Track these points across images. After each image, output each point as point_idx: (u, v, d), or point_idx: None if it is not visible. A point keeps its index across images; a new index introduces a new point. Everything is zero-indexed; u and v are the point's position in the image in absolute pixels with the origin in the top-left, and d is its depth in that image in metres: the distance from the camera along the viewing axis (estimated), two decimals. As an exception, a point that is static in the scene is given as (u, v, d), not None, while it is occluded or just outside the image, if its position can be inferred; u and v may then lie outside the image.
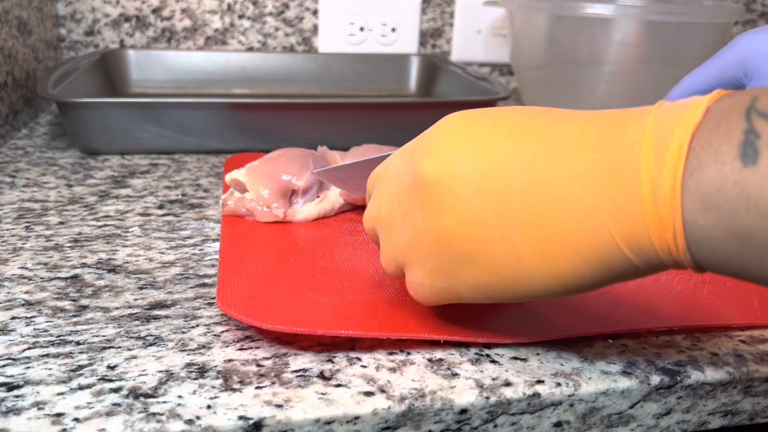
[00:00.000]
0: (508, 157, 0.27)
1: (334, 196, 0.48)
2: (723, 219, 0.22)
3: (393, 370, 0.31)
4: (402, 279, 0.33)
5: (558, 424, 0.31)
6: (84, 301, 0.36)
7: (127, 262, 0.41)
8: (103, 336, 0.33)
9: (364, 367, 0.31)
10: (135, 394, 0.29)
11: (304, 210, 0.47)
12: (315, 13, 0.92)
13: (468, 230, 0.28)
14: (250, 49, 0.92)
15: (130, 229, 0.46)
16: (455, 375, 0.31)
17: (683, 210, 0.23)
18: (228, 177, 0.47)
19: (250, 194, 0.46)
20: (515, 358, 0.32)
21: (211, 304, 0.36)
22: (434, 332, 0.33)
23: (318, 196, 0.48)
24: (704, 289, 0.39)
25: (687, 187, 0.22)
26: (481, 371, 0.31)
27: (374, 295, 0.36)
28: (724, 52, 0.43)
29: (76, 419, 0.27)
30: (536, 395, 0.30)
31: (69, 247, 0.43)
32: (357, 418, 0.28)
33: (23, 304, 0.36)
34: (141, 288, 0.38)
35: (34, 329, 0.33)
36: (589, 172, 0.25)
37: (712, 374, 0.32)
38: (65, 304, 0.36)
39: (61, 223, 0.47)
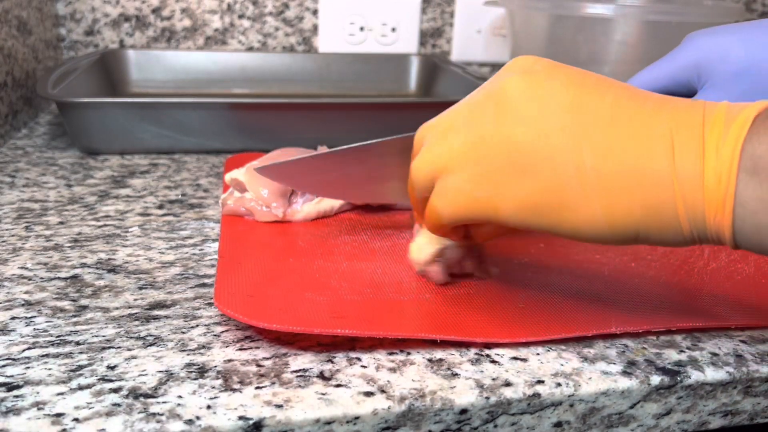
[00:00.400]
0: (596, 93, 0.29)
1: (333, 196, 0.48)
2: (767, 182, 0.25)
3: (393, 370, 0.31)
4: (423, 193, 0.33)
5: (558, 425, 0.31)
6: (84, 301, 0.36)
7: (126, 262, 0.41)
8: (103, 336, 0.33)
9: (364, 367, 0.31)
10: (135, 394, 0.29)
11: (304, 210, 0.47)
12: (315, 13, 0.92)
13: (542, 142, 0.28)
14: (250, 49, 0.92)
15: (129, 229, 0.46)
16: (455, 375, 0.31)
17: (738, 169, 0.25)
18: (228, 177, 0.47)
19: (249, 194, 0.46)
20: (515, 358, 0.32)
21: (210, 304, 0.36)
22: (433, 332, 0.33)
23: (317, 196, 0.48)
24: (704, 290, 0.39)
25: (744, 151, 0.25)
26: (481, 371, 0.31)
27: (373, 294, 0.36)
28: (677, 52, 0.43)
29: (76, 419, 0.27)
30: (536, 395, 0.30)
31: (69, 247, 0.43)
32: (357, 418, 0.28)
33: (23, 304, 0.36)
34: (141, 288, 0.38)
35: (34, 329, 0.33)
36: (665, 133, 0.27)
37: (712, 374, 0.32)
38: (65, 304, 0.36)
39: (61, 223, 0.47)
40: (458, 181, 0.31)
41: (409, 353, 0.33)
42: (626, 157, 0.27)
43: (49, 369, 0.30)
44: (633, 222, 0.27)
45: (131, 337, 0.33)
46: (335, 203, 0.48)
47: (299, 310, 0.34)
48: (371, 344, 0.33)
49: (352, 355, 0.32)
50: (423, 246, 0.38)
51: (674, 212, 0.26)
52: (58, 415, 0.27)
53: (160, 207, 0.50)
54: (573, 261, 0.42)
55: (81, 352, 0.31)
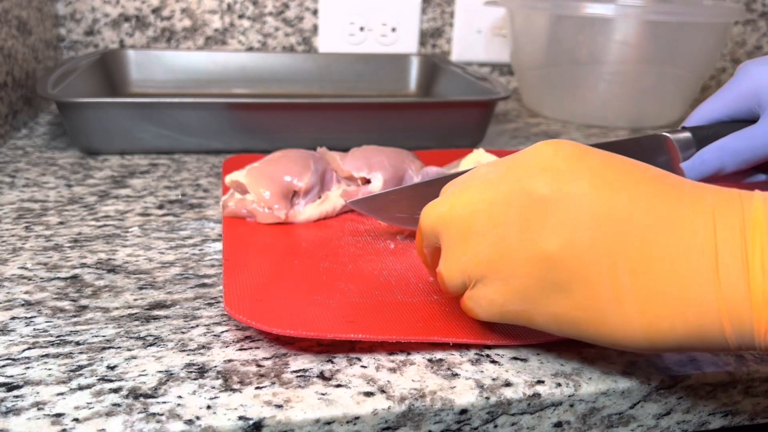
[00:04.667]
0: (627, 195, 0.26)
1: (335, 197, 0.48)
2: None
3: (393, 370, 0.31)
4: (458, 293, 0.32)
5: (558, 425, 0.31)
6: (84, 302, 0.36)
7: (126, 262, 0.41)
8: (103, 336, 0.33)
9: (364, 367, 0.31)
10: (135, 394, 0.29)
11: (306, 211, 0.47)
12: (315, 13, 0.92)
13: (574, 257, 0.26)
14: (250, 49, 0.92)
15: (129, 229, 0.46)
16: (455, 375, 0.31)
17: None
18: (228, 179, 0.47)
19: (251, 196, 0.46)
20: (515, 359, 0.32)
21: (211, 305, 0.36)
22: (446, 335, 0.33)
23: (319, 197, 0.48)
24: None
25: None
26: (481, 371, 0.31)
27: (382, 297, 0.36)
28: (734, 83, 0.44)
29: (76, 419, 0.27)
30: (536, 395, 0.30)
31: (69, 247, 0.43)
32: (357, 418, 0.28)
33: (23, 305, 0.36)
34: (141, 288, 0.38)
35: (34, 329, 0.33)
36: (706, 245, 0.25)
37: (712, 374, 0.32)
38: (65, 304, 0.36)
39: (61, 223, 0.47)
40: (489, 293, 0.30)
41: (409, 353, 0.33)
42: (666, 276, 0.25)
43: (49, 369, 0.30)
44: (674, 339, 0.26)
45: (131, 337, 0.33)
46: (337, 204, 0.48)
47: (309, 315, 0.33)
48: (371, 344, 0.33)
49: (352, 355, 0.32)
50: None
51: (720, 329, 0.25)
52: (58, 415, 0.27)
53: (160, 207, 0.50)
54: None
55: (81, 352, 0.31)
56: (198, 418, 0.27)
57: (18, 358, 0.31)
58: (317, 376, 0.30)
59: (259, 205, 0.45)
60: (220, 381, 0.30)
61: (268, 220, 0.46)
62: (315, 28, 0.93)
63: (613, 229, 0.26)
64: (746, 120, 0.43)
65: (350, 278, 0.38)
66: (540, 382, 0.31)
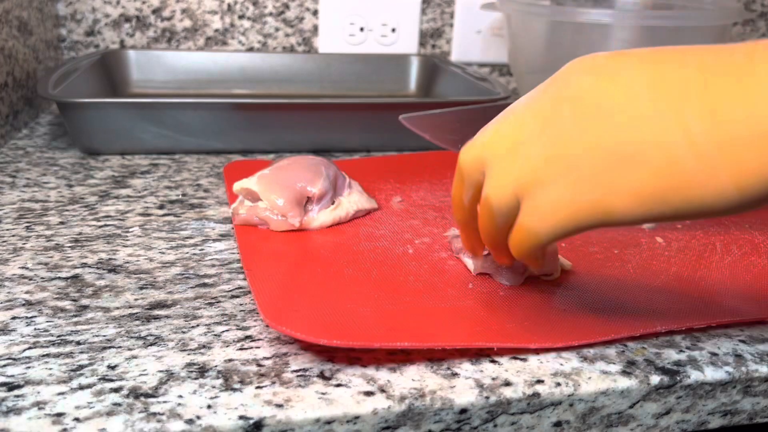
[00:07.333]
0: (676, 63, 0.26)
1: (347, 203, 0.48)
2: None
3: (393, 369, 0.31)
4: (505, 219, 0.30)
5: (558, 424, 0.31)
6: (84, 301, 0.36)
7: (127, 262, 0.41)
8: (104, 336, 0.33)
9: (364, 366, 0.31)
10: (135, 393, 0.29)
11: (320, 217, 0.46)
12: (315, 13, 0.92)
13: (642, 125, 0.25)
14: (251, 49, 0.92)
15: (130, 229, 0.46)
16: (455, 375, 0.31)
17: None
18: (237, 186, 0.46)
19: (263, 203, 0.45)
20: (515, 358, 0.33)
21: (211, 304, 0.36)
22: (486, 340, 0.32)
23: (332, 203, 0.47)
24: (700, 284, 0.39)
25: None
26: (481, 371, 0.31)
27: (413, 303, 0.36)
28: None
29: (77, 419, 0.27)
30: (536, 395, 0.30)
31: (69, 247, 0.43)
32: (357, 417, 0.28)
33: (24, 304, 0.36)
34: (141, 288, 0.38)
35: (35, 329, 0.33)
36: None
37: (711, 374, 0.32)
38: (66, 304, 0.36)
39: (62, 223, 0.47)
40: (555, 192, 0.28)
41: (409, 353, 0.33)
42: (743, 115, 0.24)
43: (50, 369, 0.30)
44: (766, 183, 0.24)
45: (132, 337, 0.33)
46: (350, 209, 0.47)
47: (347, 324, 0.33)
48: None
49: (352, 354, 0.32)
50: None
51: None
52: (59, 414, 0.27)
53: (161, 207, 0.50)
54: (596, 260, 0.42)
55: (82, 352, 0.32)
56: (198, 417, 0.27)
57: (19, 358, 0.31)
58: (317, 376, 0.30)
59: (273, 213, 0.45)
60: (220, 380, 0.30)
61: (282, 228, 0.45)
62: (315, 29, 0.93)
63: (672, 86, 0.25)
64: None
65: (378, 285, 0.38)
66: (539, 381, 0.31)
